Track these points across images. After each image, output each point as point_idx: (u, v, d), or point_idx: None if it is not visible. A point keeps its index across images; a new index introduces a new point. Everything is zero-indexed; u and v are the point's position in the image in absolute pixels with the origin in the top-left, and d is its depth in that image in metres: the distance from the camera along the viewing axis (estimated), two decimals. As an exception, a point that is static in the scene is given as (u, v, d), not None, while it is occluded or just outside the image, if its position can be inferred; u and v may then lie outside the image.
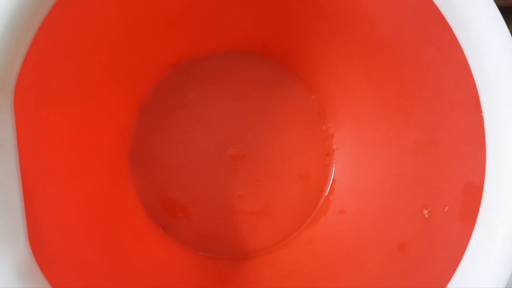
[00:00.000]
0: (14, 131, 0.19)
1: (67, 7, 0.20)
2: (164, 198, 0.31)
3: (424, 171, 0.26)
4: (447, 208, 0.24)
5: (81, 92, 0.25)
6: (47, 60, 0.21)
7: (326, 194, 0.32)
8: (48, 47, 0.20)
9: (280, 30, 0.31)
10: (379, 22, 0.26)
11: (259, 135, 0.33)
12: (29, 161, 0.20)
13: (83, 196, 0.25)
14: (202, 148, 0.32)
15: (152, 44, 0.29)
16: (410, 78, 0.26)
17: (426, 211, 0.25)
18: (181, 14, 0.28)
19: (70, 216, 0.24)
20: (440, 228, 0.24)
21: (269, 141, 0.32)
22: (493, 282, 0.19)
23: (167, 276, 0.28)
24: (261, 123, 0.33)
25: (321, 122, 0.33)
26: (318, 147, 0.33)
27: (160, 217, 0.31)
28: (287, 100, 0.33)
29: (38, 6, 0.18)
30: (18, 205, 0.18)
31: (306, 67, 0.33)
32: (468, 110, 0.22)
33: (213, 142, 0.32)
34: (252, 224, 0.32)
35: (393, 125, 0.29)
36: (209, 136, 0.32)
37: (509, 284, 0.20)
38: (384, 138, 0.29)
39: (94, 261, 0.24)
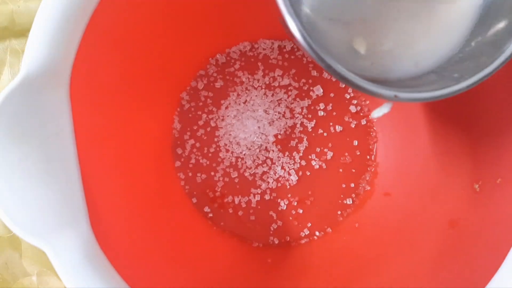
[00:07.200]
0: (71, 120, 0.19)
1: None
2: (209, 189, 0.32)
3: (472, 146, 0.26)
4: (499, 180, 0.23)
5: (129, 84, 0.25)
6: (97, 52, 0.21)
7: (369, 178, 0.32)
8: (98, 39, 0.21)
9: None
10: None
11: (300, 121, 0.33)
12: (85, 151, 0.20)
13: (133, 187, 0.26)
14: (244, 139, 0.32)
15: (191, 38, 0.29)
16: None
17: (477, 185, 0.25)
18: (219, 8, 0.29)
19: (123, 206, 0.24)
20: (493, 200, 0.24)
21: (309, 127, 0.32)
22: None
23: (215, 264, 0.29)
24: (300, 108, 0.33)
25: (360, 107, 0.33)
26: (359, 131, 0.32)
27: (207, 208, 0.32)
28: (322, 85, 0.33)
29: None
30: (79, 192, 0.19)
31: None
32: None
33: (257, 132, 0.32)
34: (298, 211, 0.32)
35: (435, 103, 0.28)
36: (252, 126, 0.32)
37: None
38: (427, 117, 0.29)
39: (149, 248, 0.24)
